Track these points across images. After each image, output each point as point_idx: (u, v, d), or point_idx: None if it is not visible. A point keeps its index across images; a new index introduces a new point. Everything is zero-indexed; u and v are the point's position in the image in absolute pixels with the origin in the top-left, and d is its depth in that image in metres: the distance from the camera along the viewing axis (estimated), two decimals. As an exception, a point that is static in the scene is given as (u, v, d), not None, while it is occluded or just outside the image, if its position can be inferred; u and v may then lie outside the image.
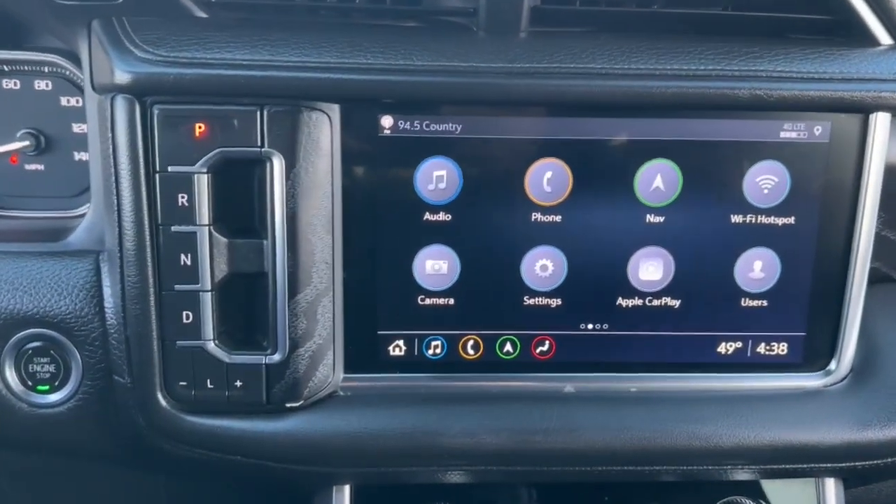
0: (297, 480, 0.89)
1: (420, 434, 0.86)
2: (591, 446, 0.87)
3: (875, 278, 0.93)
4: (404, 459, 0.87)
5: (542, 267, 0.87)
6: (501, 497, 0.93)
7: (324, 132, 0.81)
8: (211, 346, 0.84)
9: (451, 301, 0.88)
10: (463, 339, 0.90)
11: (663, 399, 0.90)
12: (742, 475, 0.92)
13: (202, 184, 0.79)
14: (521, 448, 0.87)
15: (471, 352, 0.90)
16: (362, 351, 0.88)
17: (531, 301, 0.88)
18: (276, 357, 0.84)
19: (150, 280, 0.81)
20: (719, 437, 0.87)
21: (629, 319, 0.90)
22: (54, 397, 0.86)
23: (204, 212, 0.80)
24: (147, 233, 0.80)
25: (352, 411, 0.87)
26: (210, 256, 0.81)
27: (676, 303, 0.89)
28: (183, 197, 0.79)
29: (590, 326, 0.90)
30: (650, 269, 0.88)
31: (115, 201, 0.80)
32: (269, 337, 0.84)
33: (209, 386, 0.84)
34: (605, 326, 0.90)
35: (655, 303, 0.89)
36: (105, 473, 1.01)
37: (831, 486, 0.95)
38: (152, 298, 0.82)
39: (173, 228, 0.80)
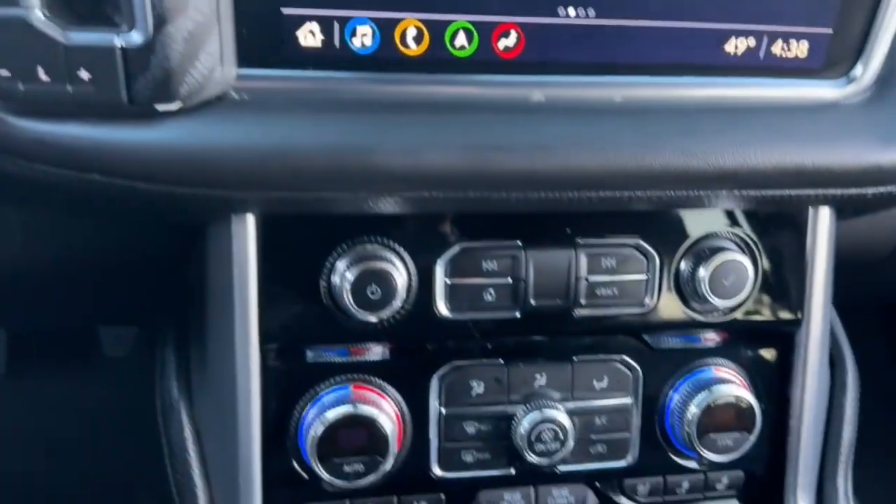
0: (183, 208, 0.68)
1: (345, 150, 0.66)
2: (562, 167, 0.69)
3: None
4: (324, 182, 0.67)
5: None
6: (434, 229, 0.76)
7: None
8: (36, 17, 0.58)
9: (385, -34, 0.63)
10: (401, 26, 0.67)
11: (654, 109, 0.72)
12: (733, 203, 0.77)
13: None
14: (475, 169, 0.68)
15: (412, 44, 0.68)
16: (261, 36, 0.65)
17: (494, -26, 0.65)
18: (136, 37, 0.59)
19: None
20: (719, 154, 0.70)
21: (619, 3, 0.68)
22: None
23: None
24: None
25: (251, 118, 0.65)
26: None
27: (681, -16, 0.67)
28: None
29: (570, 12, 0.68)
30: (656, -68, 0.65)
31: None
32: (121, 7, 0.59)
33: (43, 77, 0.60)
34: (590, 13, 0.68)
35: (654, -17, 0.67)
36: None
37: (825, 216, 0.82)
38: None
39: None
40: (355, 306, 0.73)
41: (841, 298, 1.01)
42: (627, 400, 0.84)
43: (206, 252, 0.75)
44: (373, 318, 0.75)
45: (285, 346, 0.78)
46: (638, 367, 0.84)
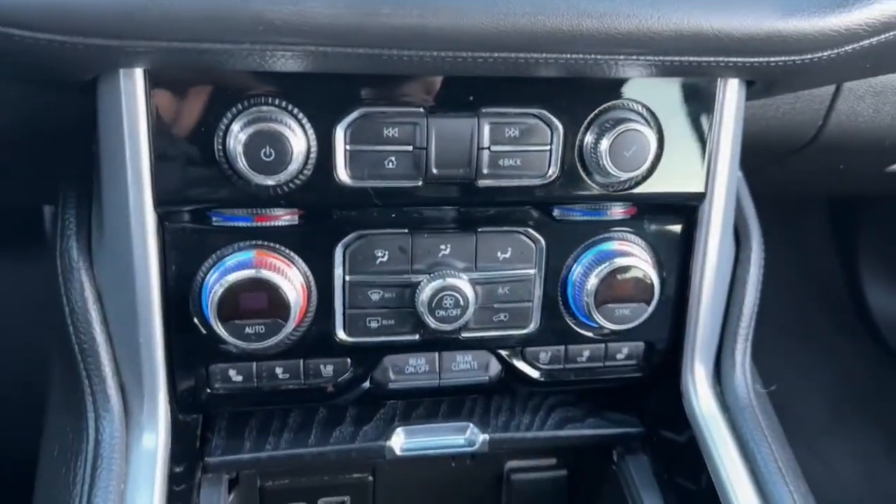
0: (65, 59, 0.66)
1: (224, -5, 0.64)
2: (454, 25, 0.67)
3: None
4: (208, 31, 0.65)
5: None
6: (333, 91, 0.75)
7: None
8: None
9: None
10: None
11: (550, -34, 0.69)
12: (635, 70, 0.76)
13: None
14: (361, 22, 0.66)
15: None
16: None
17: None
18: None
19: None
20: (614, 15, 0.68)
21: None
22: None
23: None
24: None
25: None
26: None
27: None
28: None
29: None
30: None
31: None
32: None
33: None
34: None
35: None
36: None
37: (733, 89, 0.81)
38: None
39: None
40: (249, 169, 0.73)
41: (760, 186, 1.02)
42: (530, 271, 0.85)
43: (98, 110, 0.74)
44: (270, 182, 0.74)
45: (184, 209, 0.78)
46: (542, 239, 0.85)
